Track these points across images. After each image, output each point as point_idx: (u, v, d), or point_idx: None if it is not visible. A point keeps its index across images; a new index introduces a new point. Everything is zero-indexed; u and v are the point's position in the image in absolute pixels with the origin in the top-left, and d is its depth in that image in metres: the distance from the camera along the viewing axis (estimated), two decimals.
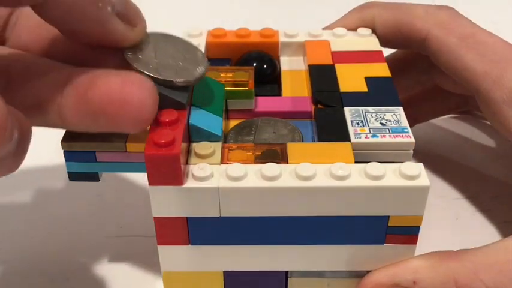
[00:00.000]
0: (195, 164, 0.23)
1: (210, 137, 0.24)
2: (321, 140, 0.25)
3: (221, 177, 0.22)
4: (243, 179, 0.22)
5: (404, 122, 0.25)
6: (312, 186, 0.22)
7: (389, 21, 0.32)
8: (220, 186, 0.22)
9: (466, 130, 0.39)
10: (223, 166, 0.23)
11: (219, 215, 0.23)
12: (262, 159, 0.24)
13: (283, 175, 0.23)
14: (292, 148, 0.24)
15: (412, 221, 0.23)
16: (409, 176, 0.22)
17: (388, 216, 0.23)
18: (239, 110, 0.27)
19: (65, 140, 0.25)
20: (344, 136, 0.25)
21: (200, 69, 0.24)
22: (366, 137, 0.24)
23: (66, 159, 0.25)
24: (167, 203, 0.23)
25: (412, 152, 0.25)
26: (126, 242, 0.31)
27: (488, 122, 0.39)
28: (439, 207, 0.33)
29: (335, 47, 0.31)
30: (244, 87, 0.27)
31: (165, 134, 0.22)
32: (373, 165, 0.23)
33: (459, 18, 0.31)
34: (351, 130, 0.25)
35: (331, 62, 0.30)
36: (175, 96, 0.23)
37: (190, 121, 0.24)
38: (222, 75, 0.28)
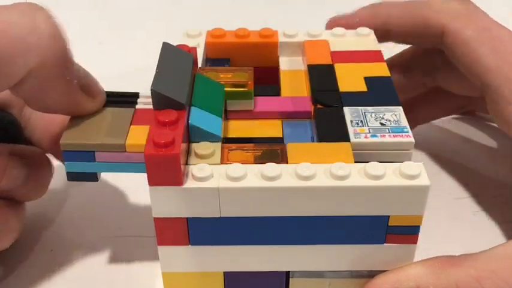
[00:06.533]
0: (195, 164, 0.23)
1: (210, 138, 0.24)
2: (320, 140, 0.25)
3: (221, 177, 0.22)
4: (243, 179, 0.22)
5: (404, 122, 0.25)
6: (312, 186, 0.22)
7: (404, 17, 0.32)
8: (220, 186, 0.22)
9: (466, 130, 0.39)
10: (223, 166, 0.23)
11: (219, 216, 0.23)
12: (262, 159, 0.24)
13: (283, 175, 0.22)
14: (292, 148, 0.24)
15: (412, 221, 0.23)
16: (409, 176, 0.22)
17: (389, 216, 0.23)
18: (238, 111, 0.27)
19: (65, 139, 0.25)
20: (344, 136, 0.24)
21: None
22: (365, 137, 0.24)
23: (66, 159, 0.25)
24: (167, 203, 0.23)
25: (411, 151, 0.25)
26: (126, 242, 0.31)
27: (488, 123, 0.39)
28: (439, 207, 0.33)
29: (334, 47, 0.31)
30: (244, 87, 0.27)
31: (164, 134, 0.22)
32: (373, 165, 0.23)
33: (476, 11, 0.31)
34: (351, 130, 0.25)
35: (330, 62, 0.30)
36: (175, 97, 0.23)
37: (190, 121, 0.24)
38: (221, 75, 0.27)
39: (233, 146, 0.25)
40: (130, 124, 0.25)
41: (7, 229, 0.27)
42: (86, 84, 0.25)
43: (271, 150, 0.24)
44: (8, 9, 0.23)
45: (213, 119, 0.25)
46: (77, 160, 0.24)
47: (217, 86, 0.27)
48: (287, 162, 0.23)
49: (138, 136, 0.25)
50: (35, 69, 0.23)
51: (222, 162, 0.23)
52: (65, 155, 0.25)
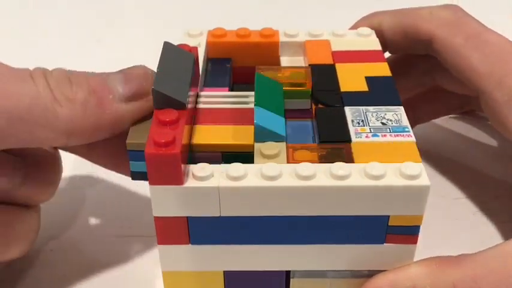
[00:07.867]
0: (262, 164, 0.23)
1: (274, 137, 0.24)
2: (322, 139, 0.25)
3: (221, 176, 0.22)
4: (243, 178, 0.22)
5: (405, 122, 0.25)
6: (311, 185, 0.22)
7: (395, 26, 0.32)
8: (220, 185, 0.22)
9: (466, 130, 0.39)
10: (223, 166, 0.23)
11: (219, 215, 0.23)
12: (327, 158, 0.24)
13: (283, 175, 0.23)
14: (358, 147, 0.24)
15: (412, 221, 0.23)
16: (409, 176, 0.22)
17: (388, 216, 0.23)
18: (294, 110, 0.27)
19: (130, 139, 0.24)
20: (345, 136, 0.24)
21: None
22: (366, 137, 0.24)
23: (131, 159, 0.25)
24: (167, 202, 0.23)
25: None
26: (126, 242, 0.31)
27: (489, 122, 0.39)
28: (439, 207, 0.33)
29: (335, 47, 0.31)
30: (302, 86, 0.27)
31: (165, 133, 0.22)
32: (373, 165, 0.23)
33: (464, 17, 0.31)
34: (352, 129, 0.25)
35: (331, 62, 0.30)
36: (175, 96, 0.23)
37: (255, 121, 0.24)
38: (279, 75, 0.28)
39: (297, 145, 0.25)
40: (195, 124, 0.25)
41: (11, 237, 0.26)
42: (128, 92, 0.25)
43: (337, 149, 0.24)
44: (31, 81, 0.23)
45: (277, 119, 0.25)
46: (142, 160, 0.24)
47: (276, 85, 0.27)
48: (354, 162, 0.23)
49: (202, 136, 0.25)
50: (71, 134, 0.23)
51: (288, 162, 0.23)
52: (130, 155, 0.25)
